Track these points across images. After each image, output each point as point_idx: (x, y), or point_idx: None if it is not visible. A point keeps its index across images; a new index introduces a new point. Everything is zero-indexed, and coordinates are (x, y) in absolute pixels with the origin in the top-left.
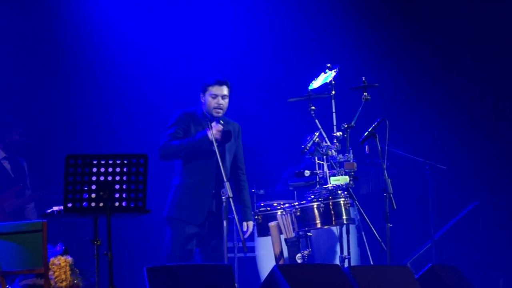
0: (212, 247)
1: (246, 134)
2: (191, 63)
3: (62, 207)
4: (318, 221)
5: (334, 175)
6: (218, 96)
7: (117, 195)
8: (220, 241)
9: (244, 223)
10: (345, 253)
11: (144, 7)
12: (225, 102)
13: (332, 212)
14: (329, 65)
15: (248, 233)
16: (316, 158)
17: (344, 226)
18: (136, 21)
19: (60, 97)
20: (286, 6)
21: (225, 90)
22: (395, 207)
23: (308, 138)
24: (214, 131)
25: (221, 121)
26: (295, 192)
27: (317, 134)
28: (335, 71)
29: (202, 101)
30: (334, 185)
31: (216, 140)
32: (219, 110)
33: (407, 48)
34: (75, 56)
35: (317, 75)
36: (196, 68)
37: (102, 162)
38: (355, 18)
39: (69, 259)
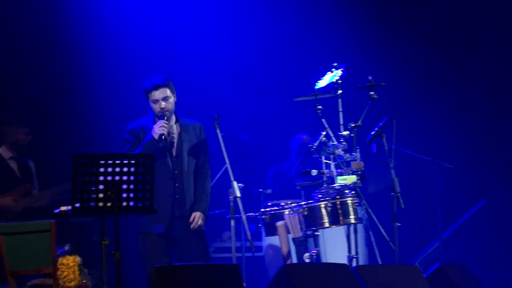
0: (187, 250)
1: (252, 133)
2: (199, 62)
3: (70, 207)
4: (325, 221)
5: (341, 175)
6: (159, 101)
7: (124, 195)
8: (194, 243)
9: (193, 214)
10: (353, 252)
11: (156, 4)
12: (168, 103)
13: (340, 212)
14: (335, 64)
15: (194, 224)
16: (323, 157)
17: (352, 225)
18: (146, 18)
19: (68, 96)
20: (293, 5)
21: (165, 92)
22: (402, 206)
23: (297, 137)
24: (156, 128)
25: (165, 116)
26: (302, 191)
27: (324, 133)
28: (341, 70)
29: (151, 107)
30: (341, 184)
31: (163, 136)
32: (165, 113)
33: (414, 47)
34: (82, 55)
35: (324, 74)
36: (204, 67)
37: (110, 162)
38: (362, 17)
39: (78, 258)
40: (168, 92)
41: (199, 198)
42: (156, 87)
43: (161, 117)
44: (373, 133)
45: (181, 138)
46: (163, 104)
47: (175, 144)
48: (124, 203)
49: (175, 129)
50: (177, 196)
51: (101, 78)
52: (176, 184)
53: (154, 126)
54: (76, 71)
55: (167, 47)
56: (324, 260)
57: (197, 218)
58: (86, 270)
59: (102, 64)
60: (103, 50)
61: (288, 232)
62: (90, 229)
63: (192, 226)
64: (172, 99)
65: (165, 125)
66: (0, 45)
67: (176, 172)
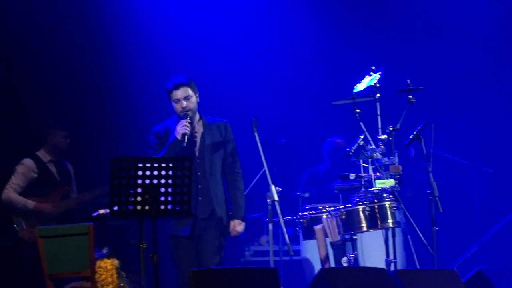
0: (201, 248)
1: (290, 137)
2: (237, 65)
3: (108, 210)
4: (363, 225)
5: (379, 178)
6: (181, 100)
7: (162, 198)
8: (208, 241)
9: (231, 222)
10: (391, 256)
11: (203, 6)
12: (190, 103)
13: (378, 216)
14: (373, 67)
15: (234, 233)
16: (361, 161)
17: (390, 229)
18: (183, 20)
19: (105, 99)
20: (331, 9)
21: (186, 91)
22: (441, 210)
23: (330, 140)
24: (179, 128)
25: (188, 116)
26: (340, 195)
27: (362, 137)
28: (379, 74)
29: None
30: (380, 188)
31: (186, 135)
32: (187, 113)
33: (452, 50)
34: (119, 56)
35: (362, 78)
36: (242, 70)
37: (147, 165)
38: (399, 20)
39: (116, 262)
40: (189, 91)
41: (235, 205)
42: (177, 86)
43: (184, 116)
44: (411, 136)
45: (204, 138)
46: (184, 103)
47: (197, 144)
48: (162, 207)
49: (198, 128)
50: (200, 198)
51: (138, 81)
52: (199, 186)
53: (176, 126)
54: (113, 74)
55: (203, 49)
56: (362, 264)
57: (235, 226)
58: (124, 273)
59: (139, 67)
60: (139, 53)
61: (326, 236)
62: (127, 232)
63: (232, 235)
64: (194, 98)
65: (188, 124)
66: (37, 51)
67: (199, 174)
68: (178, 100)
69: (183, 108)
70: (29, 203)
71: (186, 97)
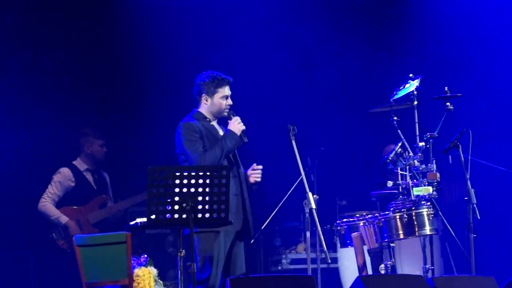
0: (237, 255)
1: (328, 145)
2: (275, 71)
3: (145, 219)
4: (401, 232)
5: (417, 186)
6: (229, 97)
7: (199, 207)
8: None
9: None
10: (429, 264)
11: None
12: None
13: (415, 223)
14: (411, 75)
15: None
16: (399, 168)
17: (427, 236)
18: (231, 29)
19: (141, 106)
20: (369, 17)
21: (229, 90)
22: (478, 217)
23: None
24: (238, 125)
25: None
26: (378, 202)
27: (400, 144)
28: (417, 81)
29: (206, 103)
30: (417, 195)
31: (244, 131)
32: (229, 111)
33: (490, 56)
34: (159, 68)
35: (400, 85)
36: (280, 77)
37: (185, 173)
38: (437, 27)
39: (153, 270)
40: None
41: None
42: (229, 82)
43: (228, 118)
44: (449, 144)
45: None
46: (230, 101)
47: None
48: (200, 215)
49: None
50: (238, 195)
51: (174, 88)
52: (240, 183)
53: (232, 123)
54: (149, 81)
55: (243, 57)
56: (399, 271)
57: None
58: (161, 281)
59: (177, 74)
60: (176, 58)
61: (363, 243)
62: (165, 240)
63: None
64: None
65: (240, 121)
66: (76, 59)
67: (239, 171)
68: (227, 97)
69: (229, 105)
70: (62, 218)
71: (230, 95)
